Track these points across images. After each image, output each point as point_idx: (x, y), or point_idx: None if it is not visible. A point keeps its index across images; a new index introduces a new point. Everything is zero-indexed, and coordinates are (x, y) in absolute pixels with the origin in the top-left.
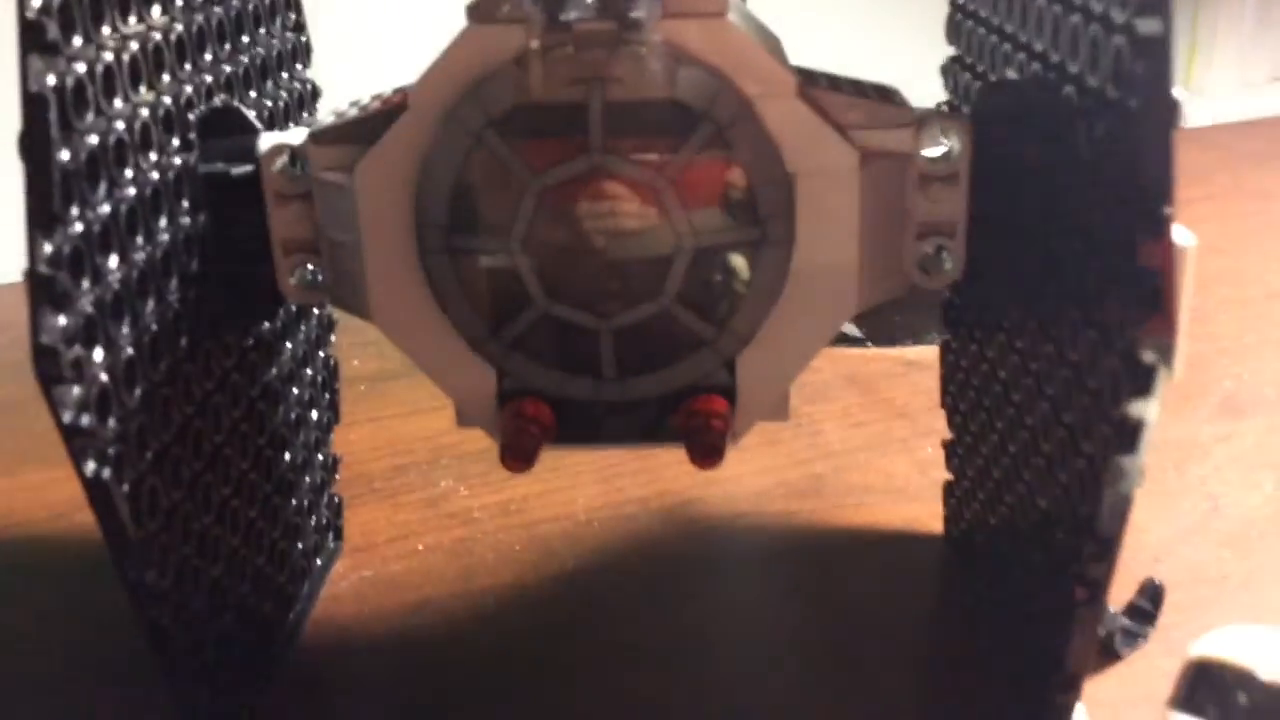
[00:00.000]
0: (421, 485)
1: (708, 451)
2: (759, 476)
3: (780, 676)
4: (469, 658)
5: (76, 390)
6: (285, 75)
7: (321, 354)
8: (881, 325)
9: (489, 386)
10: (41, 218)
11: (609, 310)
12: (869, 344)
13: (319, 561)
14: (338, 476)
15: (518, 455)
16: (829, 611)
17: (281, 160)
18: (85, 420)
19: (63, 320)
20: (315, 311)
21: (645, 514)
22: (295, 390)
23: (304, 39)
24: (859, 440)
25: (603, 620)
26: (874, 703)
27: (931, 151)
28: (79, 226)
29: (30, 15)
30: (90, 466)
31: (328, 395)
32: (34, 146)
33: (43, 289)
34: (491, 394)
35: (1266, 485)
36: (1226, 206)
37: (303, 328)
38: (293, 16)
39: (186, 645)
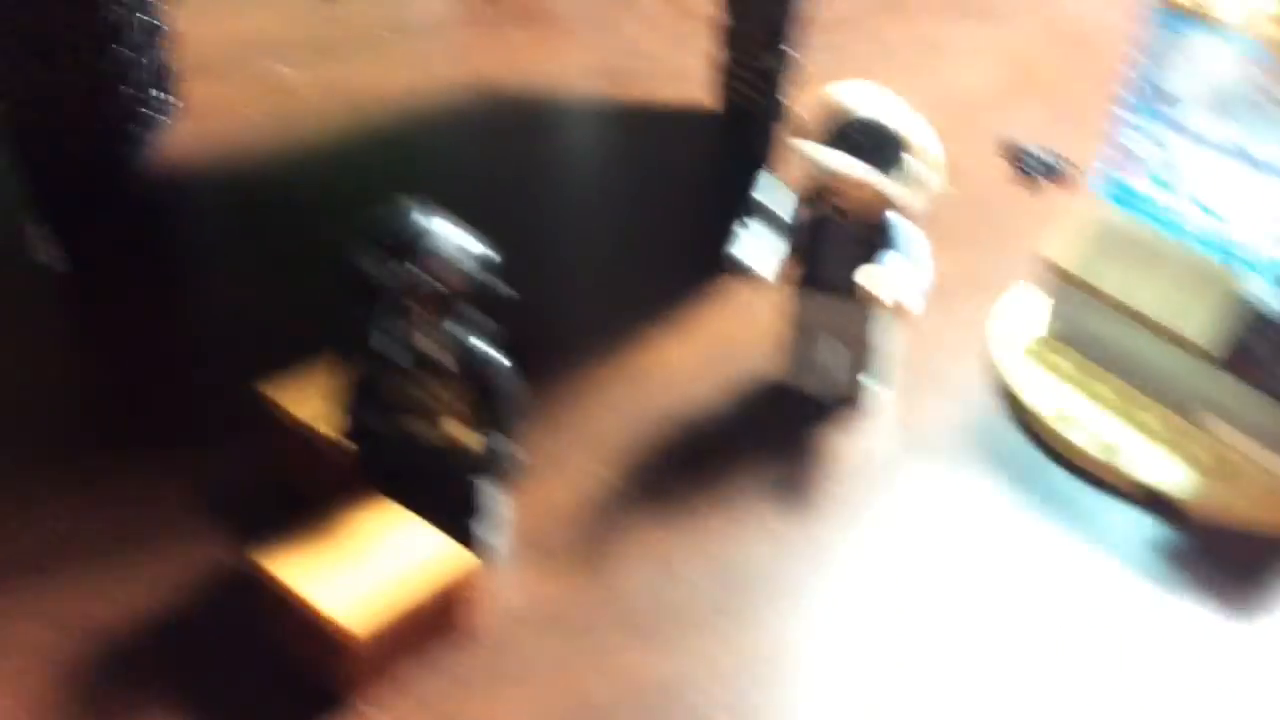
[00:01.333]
0: (251, 67)
1: None
2: (558, 62)
3: (594, 218)
4: (285, 188)
5: None
6: None
7: None
8: None
9: None
10: None
11: None
12: None
13: (157, 117)
14: (163, 40)
15: None
16: (627, 168)
17: None
18: None
19: None
20: None
21: (459, 91)
22: None
23: None
24: (655, 36)
25: (408, 168)
26: (668, 242)
27: None
28: None
29: None
30: None
31: None
32: None
33: None
34: None
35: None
36: None
37: None
38: None
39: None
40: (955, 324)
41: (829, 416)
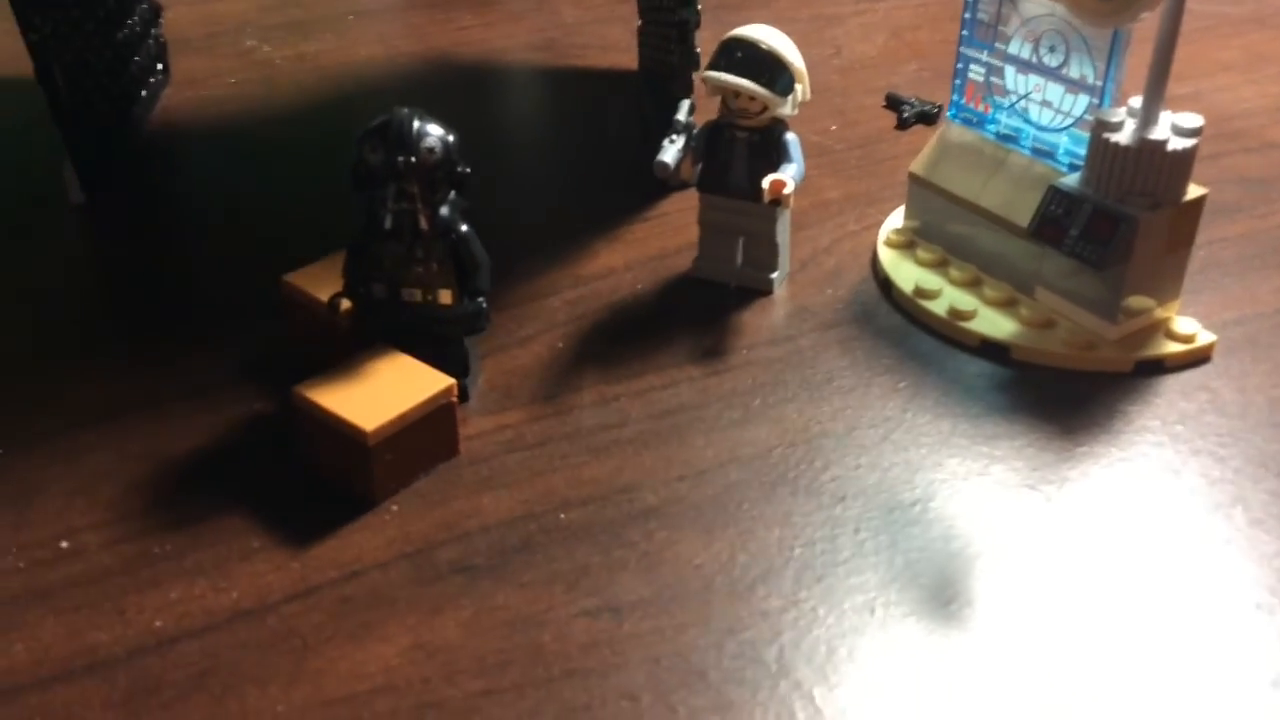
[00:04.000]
0: (232, 44)
1: None
2: (505, 40)
3: (544, 161)
4: (268, 135)
5: None
6: None
7: None
8: None
9: None
10: None
11: None
12: None
13: (152, 80)
14: (162, 21)
15: None
16: (570, 121)
17: None
18: None
19: None
20: None
21: (417, 63)
22: None
23: None
24: (588, 16)
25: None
26: (607, 177)
27: None
28: None
29: None
30: None
31: None
32: None
33: None
34: None
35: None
36: None
37: None
38: None
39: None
40: (846, 235)
41: (740, 301)
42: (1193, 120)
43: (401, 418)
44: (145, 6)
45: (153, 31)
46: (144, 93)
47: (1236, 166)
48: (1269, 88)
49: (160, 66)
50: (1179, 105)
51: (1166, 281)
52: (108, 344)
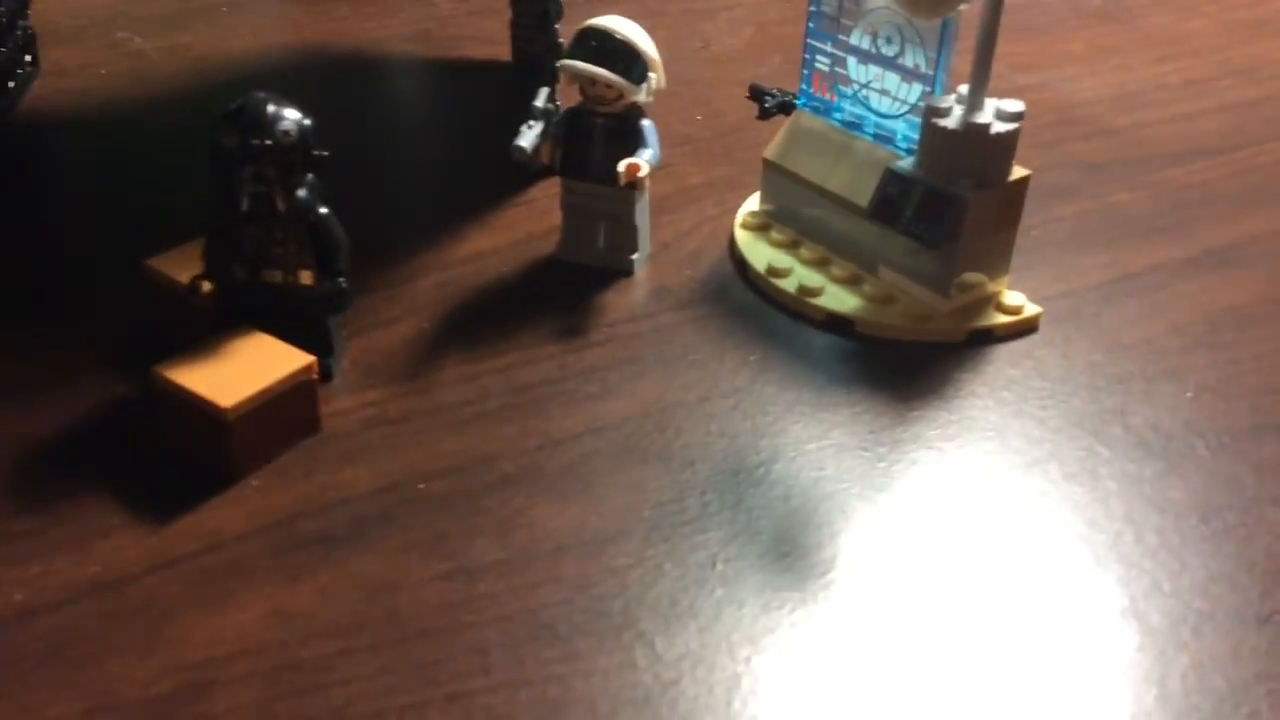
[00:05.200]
0: (103, 35)
1: None
2: (381, 31)
3: (416, 149)
4: (137, 124)
5: None
6: None
7: None
8: None
9: None
10: None
11: None
12: None
13: (20, 71)
14: (29, 11)
15: None
16: (442, 110)
17: None
18: None
19: None
20: None
21: (291, 54)
22: None
23: None
24: (464, 8)
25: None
26: (476, 164)
27: None
28: None
29: None
30: None
31: None
32: None
33: None
34: None
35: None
36: None
37: None
38: None
39: None
40: (706, 218)
41: (602, 282)
42: (1015, 105)
43: (260, 394)
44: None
45: (20, 23)
46: (10, 84)
47: (1076, 152)
48: (1110, 78)
49: (29, 58)
50: (1025, 94)
51: (996, 258)
52: None
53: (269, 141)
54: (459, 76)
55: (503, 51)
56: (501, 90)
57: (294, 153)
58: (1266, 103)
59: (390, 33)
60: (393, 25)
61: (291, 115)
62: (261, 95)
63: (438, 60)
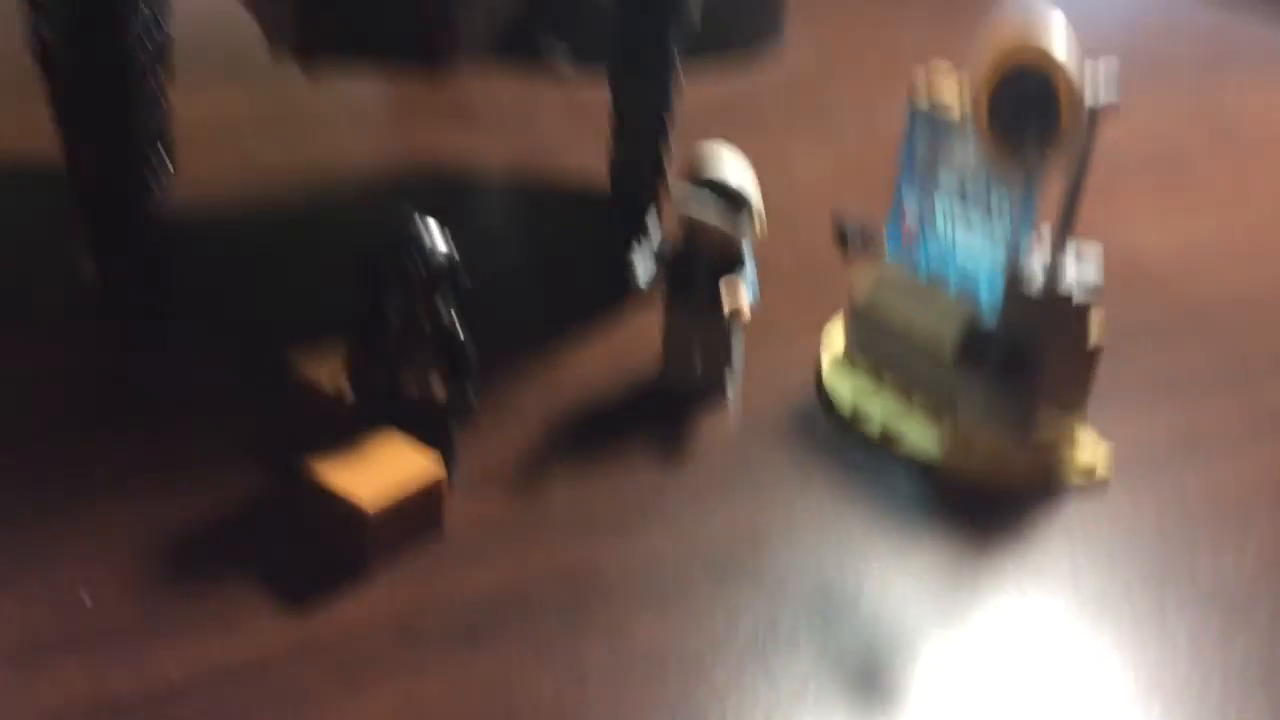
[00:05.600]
0: (228, 142)
1: None
2: (487, 151)
3: (516, 266)
4: (264, 232)
5: None
6: None
7: None
8: None
9: None
10: None
11: None
12: None
13: (165, 180)
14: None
15: None
16: (542, 228)
17: None
18: None
19: None
20: None
21: (409, 166)
22: None
23: None
24: (560, 131)
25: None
26: (574, 282)
27: None
28: None
29: None
30: None
31: None
32: None
33: None
34: None
35: None
36: None
37: None
38: None
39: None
40: (792, 346)
41: (694, 405)
42: (1093, 273)
43: (397, 495)
44: (156, 107)
45: (165, 133)
46: (153, 189)
47: (1140, 307)
48: (1175, 229)
49: (168, 163)
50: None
51: (1071, 408)
52: (121, 419)
53: (425, 271)
54: (555, 194)
55: (599, 167)
56: (596, 206)
57: (443, 280)
58: None
59: (490, 151)
60: (492, 145)
61: (443, 244)
62: (418, 219)
63: (536, 177)
